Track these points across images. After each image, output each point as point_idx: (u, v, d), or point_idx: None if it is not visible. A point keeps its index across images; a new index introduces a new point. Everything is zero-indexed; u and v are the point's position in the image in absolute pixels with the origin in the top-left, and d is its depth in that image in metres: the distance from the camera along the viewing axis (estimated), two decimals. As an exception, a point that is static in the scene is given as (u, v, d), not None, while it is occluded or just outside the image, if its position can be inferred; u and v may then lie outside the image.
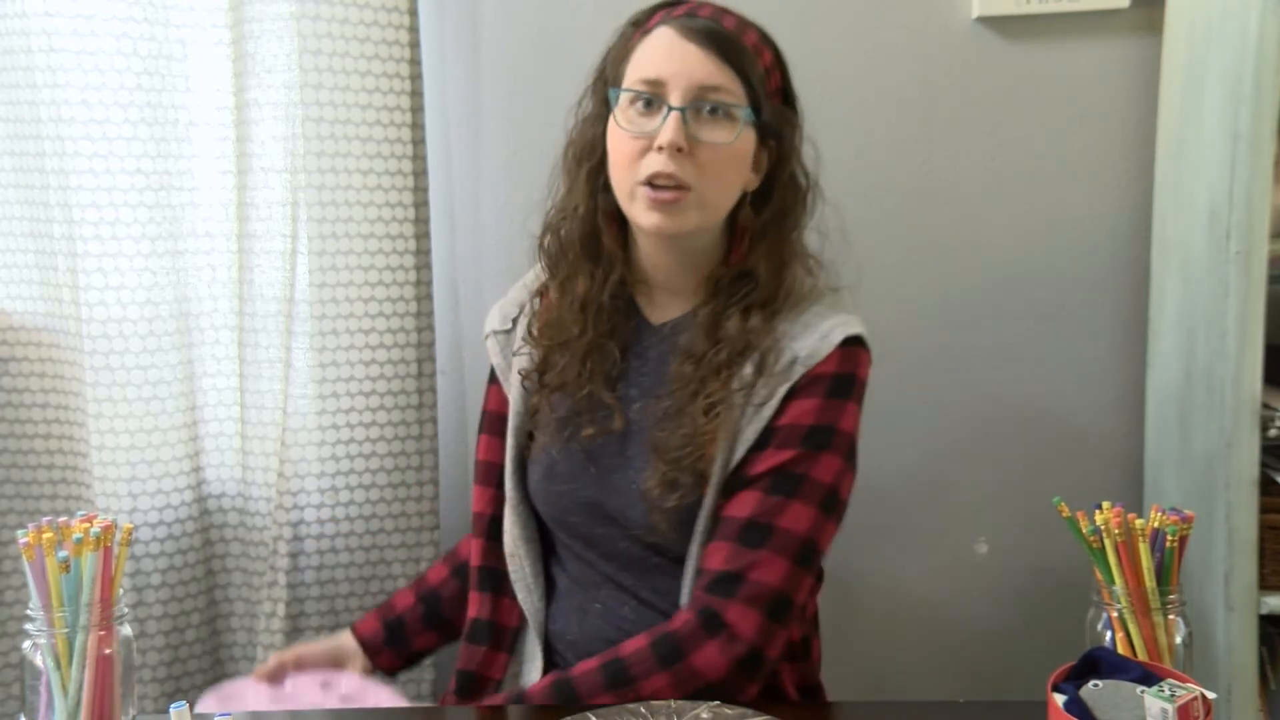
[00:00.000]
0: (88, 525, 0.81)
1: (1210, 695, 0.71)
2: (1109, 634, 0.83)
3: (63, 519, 0.83)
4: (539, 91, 1.51)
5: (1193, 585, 1.29)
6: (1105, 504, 0.84)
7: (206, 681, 1.49)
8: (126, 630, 0.84)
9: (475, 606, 1.14)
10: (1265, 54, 1.16)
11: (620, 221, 1.07)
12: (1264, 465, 1.22)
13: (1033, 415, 1.54)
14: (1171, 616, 0.82)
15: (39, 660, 0.81)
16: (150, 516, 1.42)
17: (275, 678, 1.13)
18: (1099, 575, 0.84)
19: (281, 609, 1.42)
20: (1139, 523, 0.82)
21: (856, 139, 1.50)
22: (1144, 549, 0.82)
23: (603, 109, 1.06)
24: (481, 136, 1.54)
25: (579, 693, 0.97)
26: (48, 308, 1.44)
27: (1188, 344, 1.34)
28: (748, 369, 1.02)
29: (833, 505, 1.01)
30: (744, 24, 1.04)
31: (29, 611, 0.81)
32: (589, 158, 1.07)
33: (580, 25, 1.49)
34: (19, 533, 0.80)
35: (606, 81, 1.06)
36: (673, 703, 0.91)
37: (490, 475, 1.15)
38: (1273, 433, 1.21)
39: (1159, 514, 0.83)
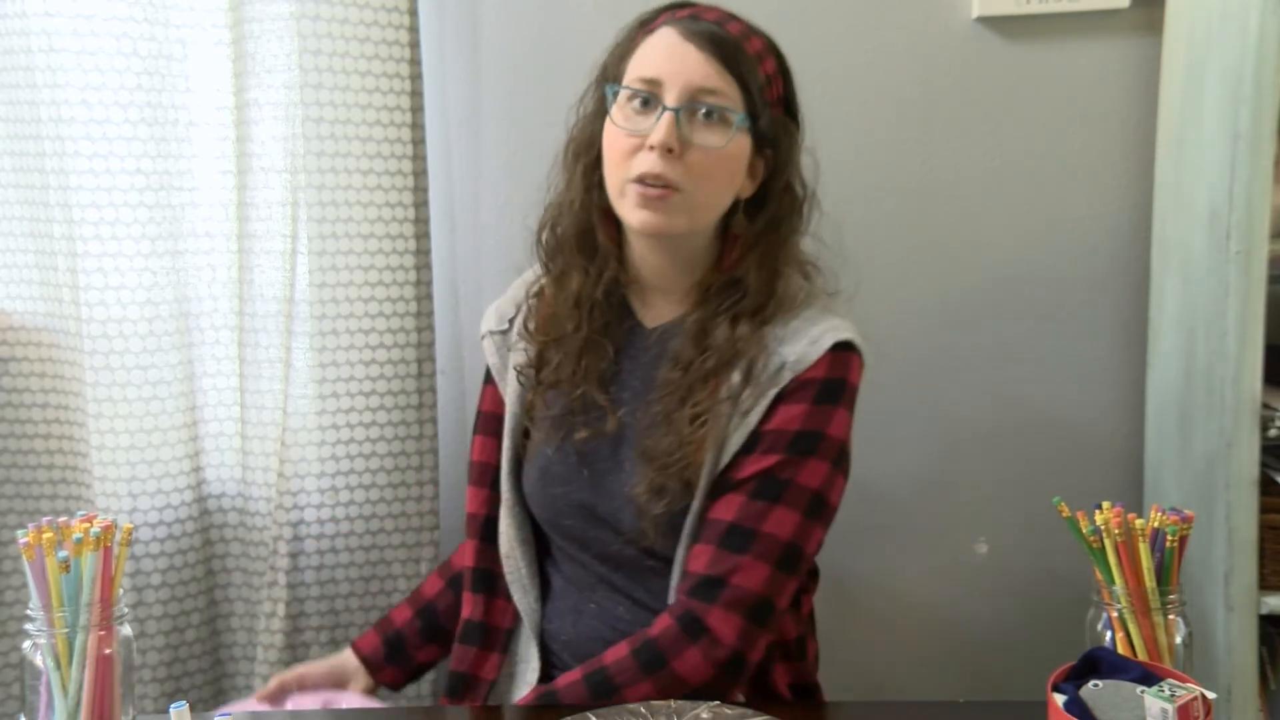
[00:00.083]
0: (88, 525, 0.81)
1: (1210, 695, 0.71)
2: (1109, 634, 0.83)
3: (63, 519, 0.83)
4: (539, 91, 1.51)
5: (1193, 585, 1.29)
6: (1105, 504, 0.84)
7: (206, 681, 1.49)
8: (126, 630, 0.84)
9: (468, 608, 1.14)
10: (1265, 54, 1.16)
11: (615, 219, 1.07)
12: (1264, 465, 1.22)
13: (1032, 415, 1.54)
14: (1171, 616, 0.82)
15: (39, 660, 0.81)
16: (150, 516, 1.42)
17: (276, 699, 1.13)
18: (1099, 575, 0.84)
19: (281, 609, 1.42)
20: (1139, 523, 0.82)
21: (856, 139, 1.50)
22: (1144, 549, 0.82)
23: (602, 106, 1.06)
24: (481, 136, 1.54)
25: (564, 706, 0.97)
26: (48, 308, 1.44)
27: (1188, 344, 1.34)
28: (735, 377, 1.01)
29: (818, 510, 1.00)
30: (749, 30, 1.03)
31: (29, 611, 0.81)
32: (586, 154, 1.07)
33: (580, 25, 1.49)
34: (19, 533, 0.80)
35: (608, 79, 1.06)
36: (673, 703, 0.91)
37: (484, 476, 1.15)
38: (1273, 433, 1.21)
39: (1159, 514, 0.83)
